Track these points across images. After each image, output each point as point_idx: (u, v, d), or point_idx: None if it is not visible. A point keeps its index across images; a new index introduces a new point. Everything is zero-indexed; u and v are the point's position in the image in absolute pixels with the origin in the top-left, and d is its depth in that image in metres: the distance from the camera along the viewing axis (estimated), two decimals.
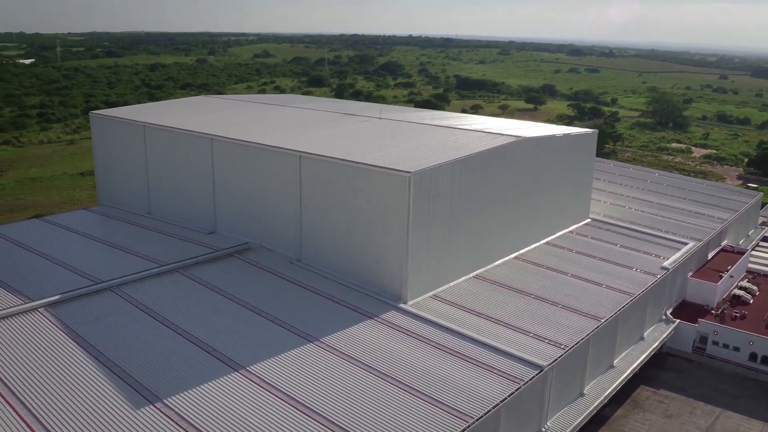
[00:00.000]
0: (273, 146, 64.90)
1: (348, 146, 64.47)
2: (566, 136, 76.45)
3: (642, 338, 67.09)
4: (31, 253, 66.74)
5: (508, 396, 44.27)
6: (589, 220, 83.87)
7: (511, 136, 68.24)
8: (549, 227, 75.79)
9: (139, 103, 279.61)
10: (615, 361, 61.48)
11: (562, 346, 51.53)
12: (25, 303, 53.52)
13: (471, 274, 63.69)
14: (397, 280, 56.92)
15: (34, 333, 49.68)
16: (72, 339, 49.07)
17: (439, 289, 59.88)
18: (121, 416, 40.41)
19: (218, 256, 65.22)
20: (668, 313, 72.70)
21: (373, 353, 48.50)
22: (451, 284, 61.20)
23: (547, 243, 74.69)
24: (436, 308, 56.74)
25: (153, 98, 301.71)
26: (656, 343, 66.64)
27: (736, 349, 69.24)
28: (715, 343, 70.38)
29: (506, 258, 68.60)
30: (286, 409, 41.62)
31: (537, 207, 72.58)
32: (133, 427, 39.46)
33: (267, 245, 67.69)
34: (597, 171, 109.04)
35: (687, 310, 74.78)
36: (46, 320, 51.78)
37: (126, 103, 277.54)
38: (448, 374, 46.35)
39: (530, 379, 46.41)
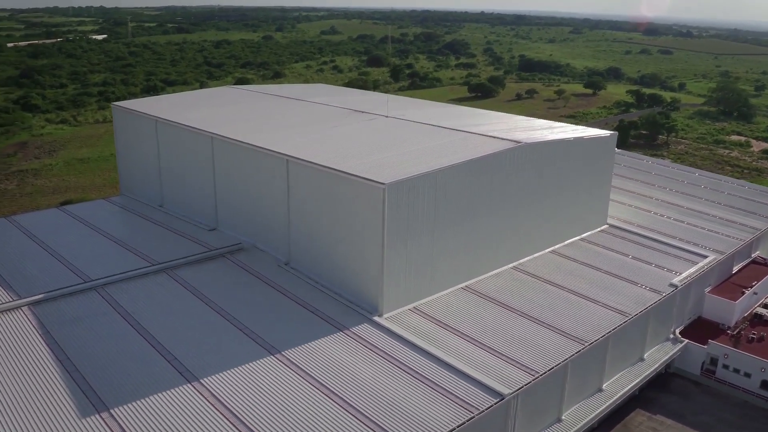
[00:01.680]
0: (265, 148, 64.42)
1: (337, 150, 63.27)
2: (578, 140, 72.68)
3: (642, 359, 63.73)
4: (38, 246, 68.87)
5: (457, 427, 42.69)
6: (606, 226, 79.97)
7: (511, 141, 65.43)
8: (556, 235, 72.64)
9: (197, 81, 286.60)
10: (604, 385, 58.62)
11: (533, 372, 49.32)
12: (12, 301, 55.36)
13: (459, 286, 61.77)
14: (374, 292, 55.75)
15: (10, 333, 51.20)
16: (43, 340, 50.34)
17: (421, 302, 58.32)
18: (64, 423, 41.21)
19: (209, 257, 65.59)
20: (677, 332, 68.78)
21: (331, 371, 47.68)
22: (435, 296, 59.51)
23: (553, 252, 71.67)
24: (413, 322, 55.30)
25: (212, 77, 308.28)
26: (655, 366, 63.16)
27: (747, 375, 64.87)
28: (726, 366, 66.14)
29: (502, 268, 66.21)
30: (224, 425, 41.46)
31: (540, 214, 69.61)
32: None
33: (260, 246, 67.68)
34: (631, 169, 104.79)
35: (700, 329, 70.57)
36: (26, 319, 53.33)
37: (185, 82, 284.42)
38: (401, 398, 45.07)
39: (486, 409, 44.60)
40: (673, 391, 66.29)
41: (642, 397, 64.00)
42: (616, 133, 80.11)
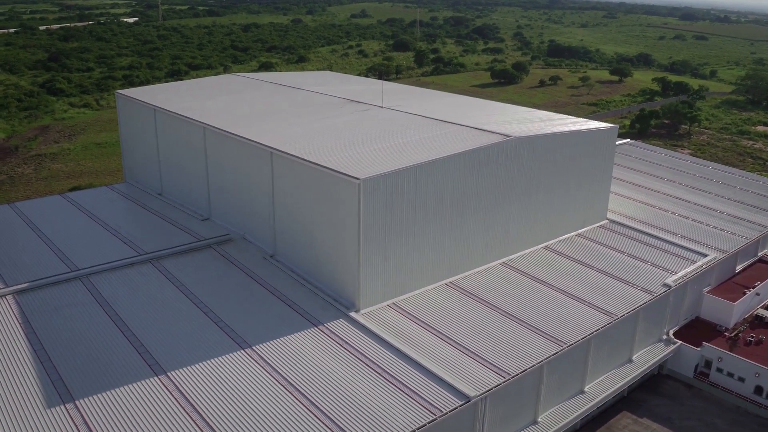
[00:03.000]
0: (251, 140, 64.17)
1: (323, 142, 62.69)
2: (574, 133, 70.90)
3: (630, 360, 62.29)
4: (35, 234, 69.97)
5: (419, 428, 42.18)
6: (605, 221, 78.18)
7: (501, 135, 64.04)
8: (550, 230, 71.20)
9: (221, 65, 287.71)
10: (587, 387, 57.46)
11: (504, 374, 48.47)
12: None
13: (442, 282, 60.99)
14: (351, 288, 55.36)
15: None
16: (22, 329, 51.17)
17: (400, 297, 57.74)
18: (29, 413, 41.88)
19: (196, 247, 65.86)
20: (671, 333, 67.05)
21: (299, 367, 47.52)
22: (416, 292, 58.82)
23: (546, 248, 70.29)
24: (390, 319, 54.76)
25: (236, 61, 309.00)
26: (643, 368, 61.66)
27: (741, 379, 63.02)
28: (720, 370, 64.35)
29: (490, 264, 65.16)
30: (184, 419, 41.64)
31: (533, 209, 68.22)
32: (34, 425, 40.81)
33: (249, 237, 67.78)
34: (641, 161, 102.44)
35: (697, 330, 68.73)
36: (9, 308, 54.20)
37: (209, 66, 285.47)
38: (364, 397, 44.72)
39: (450, 411, 44.00)
40: (664, 393, 64.75)
41: (630, 399, 62.74)
42: (617, 126, 77.91)
